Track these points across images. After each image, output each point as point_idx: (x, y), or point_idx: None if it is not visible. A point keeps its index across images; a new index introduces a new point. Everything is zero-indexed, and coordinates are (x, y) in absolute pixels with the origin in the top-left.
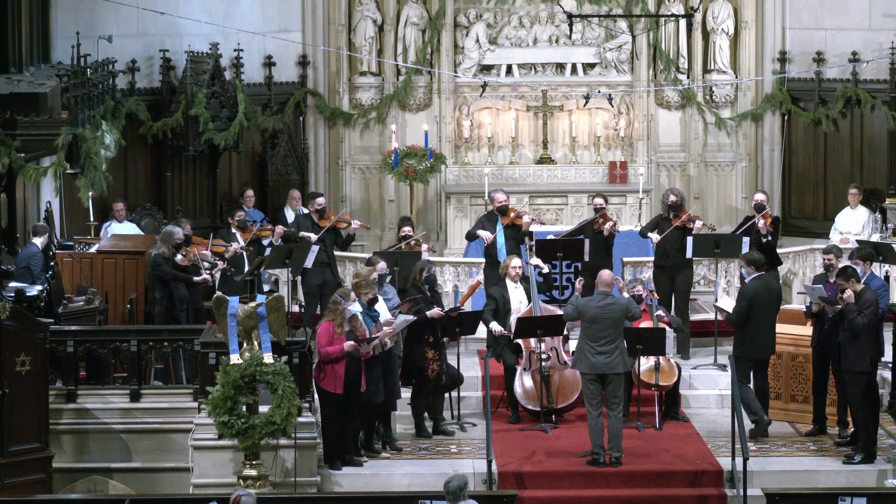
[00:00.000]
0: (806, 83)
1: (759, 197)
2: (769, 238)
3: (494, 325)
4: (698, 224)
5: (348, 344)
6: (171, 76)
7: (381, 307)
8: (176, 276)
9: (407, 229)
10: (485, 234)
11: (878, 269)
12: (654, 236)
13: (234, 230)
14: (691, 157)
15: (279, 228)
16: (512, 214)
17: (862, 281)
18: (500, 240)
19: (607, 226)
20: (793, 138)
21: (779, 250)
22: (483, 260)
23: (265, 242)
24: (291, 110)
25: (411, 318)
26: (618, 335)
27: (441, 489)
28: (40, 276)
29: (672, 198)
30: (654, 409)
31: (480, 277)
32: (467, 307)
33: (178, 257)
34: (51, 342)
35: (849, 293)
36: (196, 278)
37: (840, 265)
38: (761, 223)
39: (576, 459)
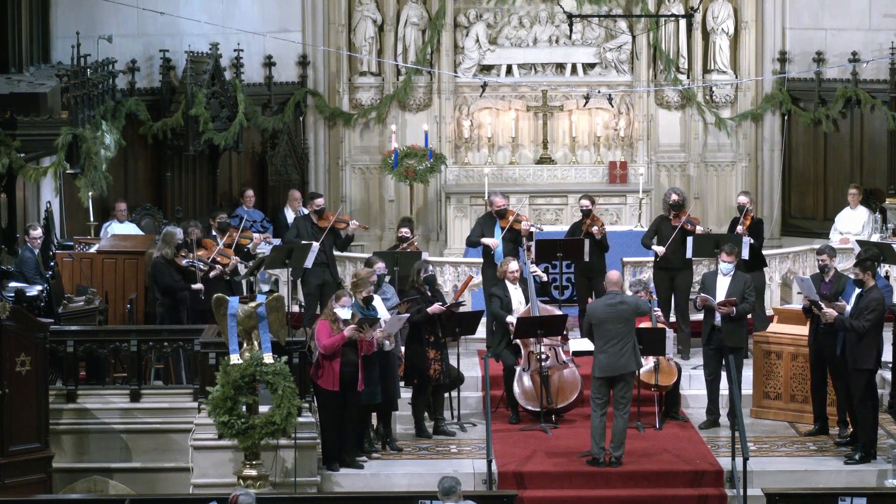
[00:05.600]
0: (806, 83)
1: (742, 199)
2: (753, 241)
3: (512, 318)
4: (699, 229)
5: (350, 329)
6: (171, 76)
7: (379, 306)
8: (172, 285)
9: (405, 231)
10: (490, 242)
11: (879, 269)
12: (660, 249)
13: (213, 232)
14: (691, 157)
15: (257, 237)
16: (510, 218)
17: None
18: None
19: (595, 228)
20: (793, 138)
21: (779, 250)
22: (482, 260)
23: (245, 248)
24: (291, 110)
25: (405, 316)
26: (629, 333)
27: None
28: (35, 279)
29: (674, 197)
30: (654, 409)
31: (473, 274)
32: (467, 306)
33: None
34: (51, 342)
35: (831, 313)
36: (194, 286)
37: (834, 265)
38: (740, 228)
39: (576, 459)
